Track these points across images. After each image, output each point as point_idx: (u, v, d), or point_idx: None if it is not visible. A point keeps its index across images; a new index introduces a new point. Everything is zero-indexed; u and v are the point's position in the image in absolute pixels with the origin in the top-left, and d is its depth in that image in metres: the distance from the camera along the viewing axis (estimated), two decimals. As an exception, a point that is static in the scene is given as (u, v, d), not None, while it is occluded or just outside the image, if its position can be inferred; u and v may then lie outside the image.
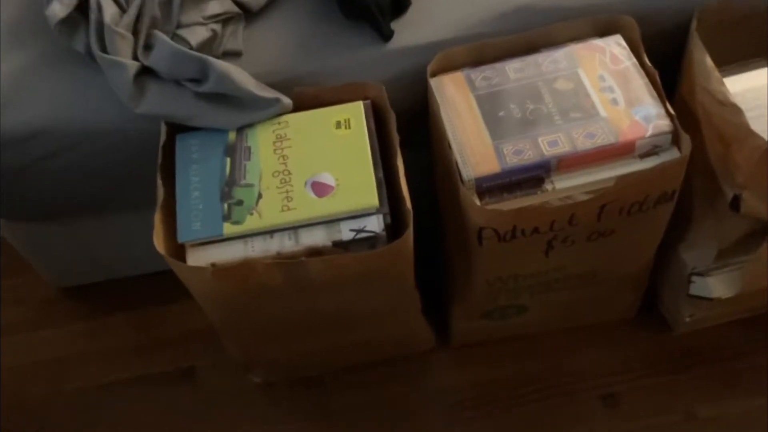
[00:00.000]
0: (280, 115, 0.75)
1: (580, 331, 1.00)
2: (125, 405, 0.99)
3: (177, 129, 0.76)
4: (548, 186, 0.71)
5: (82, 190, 0.85)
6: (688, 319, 0.90)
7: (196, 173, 0.72)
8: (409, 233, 0.67)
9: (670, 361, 0.98)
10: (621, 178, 0.67)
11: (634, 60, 0.75)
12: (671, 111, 0.71)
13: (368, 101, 0.76)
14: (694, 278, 0.84)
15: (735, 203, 0.75)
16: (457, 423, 0.95)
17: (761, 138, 0.68)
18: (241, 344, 0.84)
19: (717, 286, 0.82)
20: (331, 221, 0.70)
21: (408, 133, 0.74)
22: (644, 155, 0.71)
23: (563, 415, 0.95)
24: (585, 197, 0.69)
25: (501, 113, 0.74)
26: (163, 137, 0.73)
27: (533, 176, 0.71)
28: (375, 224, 0.69)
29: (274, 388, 0.99)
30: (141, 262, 1.04)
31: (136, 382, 1.01)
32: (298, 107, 0.75)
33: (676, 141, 0.71)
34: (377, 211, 0.70)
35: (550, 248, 0.76)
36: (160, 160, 0.72)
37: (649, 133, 0.70)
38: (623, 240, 0.78)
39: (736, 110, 0.70)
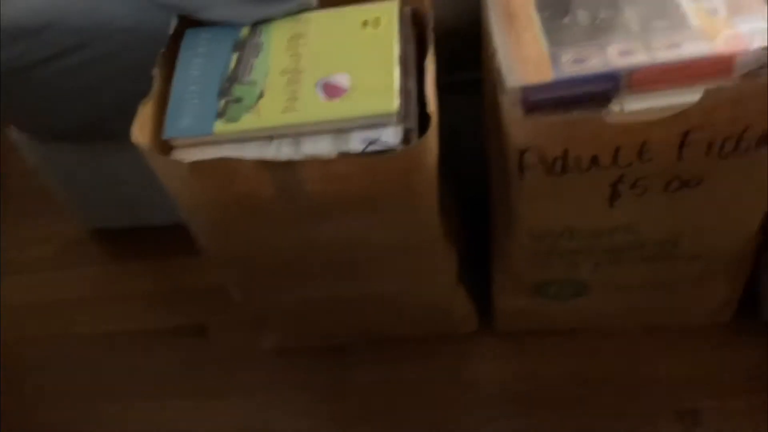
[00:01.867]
0: (303, 11, 0.65)
1: (656, 332, 0.82)
2: (131, 355, 0.90)
3: (192, 26, 0.66)
4: (616, 107, 0.56)
5: (96, 102, 0.77)
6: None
7: (198, 68, 0.63)
8: (431, 136, 0.54)
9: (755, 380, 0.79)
10: (710, 93, 0.51)
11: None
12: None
13: (408, 8, 0.65)
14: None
15: None
16: (488, 420, 0.79)
17: None
18: (240, 284, 0.73)
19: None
20: (341, 130, 0.58)
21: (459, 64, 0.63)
22: (746, 78, 0.56)
23: (626, 429, 0.77)
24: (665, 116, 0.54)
25: (565, 19, 0.60)
26: (172, 29, 0.65)
27: (598, 92, 0.55)
28: (391, 135, 0.57)
29: (289, 353, 0.87)
30: (170, 210, 0.98)
31: (145, 333, 0.91)
32: (325, 4, 0.65)
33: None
34: (396, 122, 0.58)
35: (616, 195, 0.61)
36: (163, 50, 0.63)
37: (755, 46, 0.55)
38: (714, 196, 0.61)
39: None
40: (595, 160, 0.56)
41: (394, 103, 0.56)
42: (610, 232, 0.64)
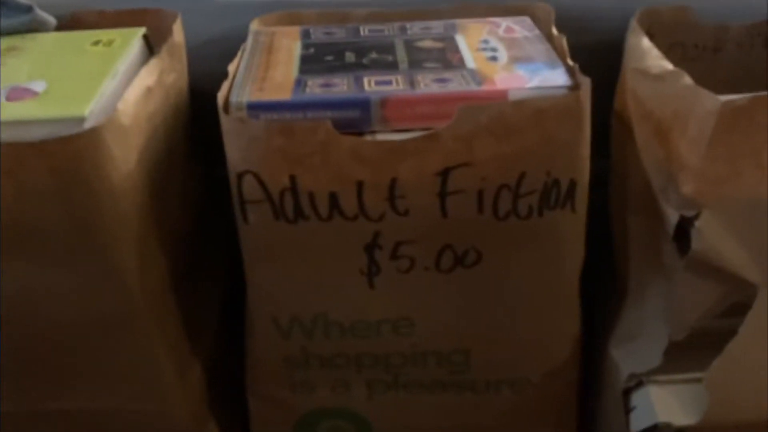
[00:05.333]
0: (38, 31, 0.55)
1: None
2: None
3: None
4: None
5: None
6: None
7: None
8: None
9: None
10: (466, 111, 0.40)
11: (538, 32, 0.53)
12: (572, 64, 0.46)
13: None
14: (635, 396, 0.50)
15: (682, 235, 0.46)
16: None
17: (713, 96, 0.42)
18: None
19: (665, 403, 0.48)
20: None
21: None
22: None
23: None
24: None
25: (328, 57, 0.51)
26: None
27: (346, 121, 0.44)
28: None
29: None
30: None
31: None
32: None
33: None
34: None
35: (375, 267, 0.46)
36: None
37: (532, 83, 0.45)
38: (501, 285, 0.47)
39: (677, 75, 0.45)
40: (335, 202, 0.43)
41: (86, 109, 0.44)
42: (376, 329, 0.48)
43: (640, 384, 0.49)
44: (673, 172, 0.45)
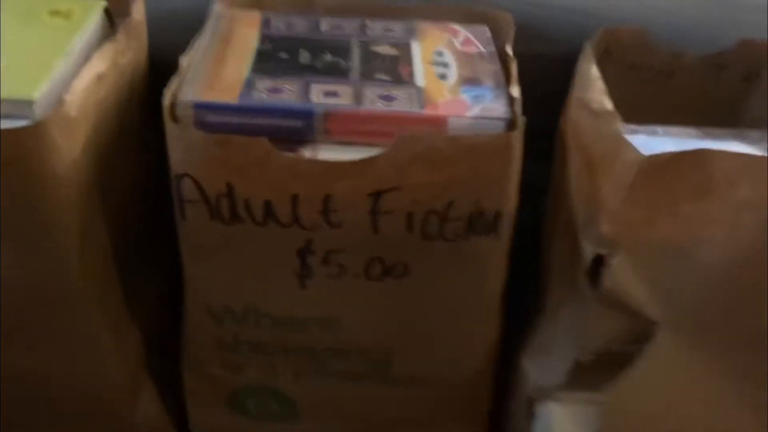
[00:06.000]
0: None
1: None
2: None
3: None
4: (308, 152, 0.47)
5: None
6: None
7: None
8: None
9: None
10: (402, 141, 0.42)
11: (492, 49, 0.54)
12: (515, 95, 0.48)
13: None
14: (538, 407, 0.55)
15: (595, 270, 0.49)
16: None
17: (636, 151, 0.44)
18: None
19: (560, 419, 0.52)
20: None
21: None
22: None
23: None
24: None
25: (283, 54, 0.52)
26: None
27: (289, 130, 0.46)
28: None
29: None
30: None
31: None
32: None
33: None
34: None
35: (307, 270, 0.48)
36: None
37: (474, 113, 0.47)
38: (425, 296, 0.50)
39: (612, 118, 0.47)
40: (270, 210, 0.45)
41: (37, 92, 0.45)
42: (304, 325, 0.51)
43: (544, 397, 0.53)
44: (595, 210, 0.47)
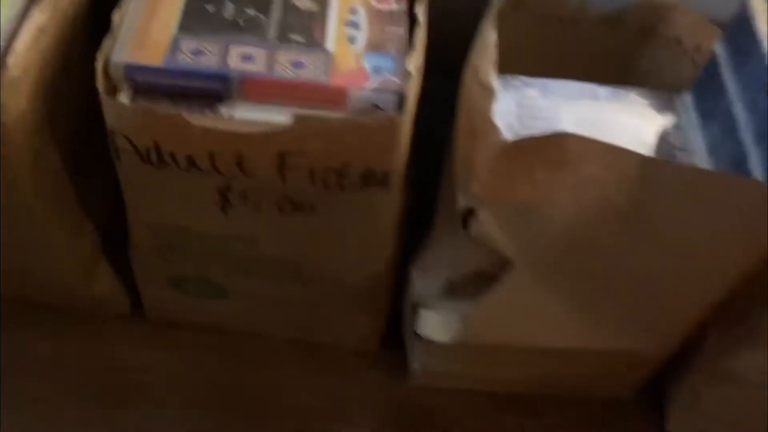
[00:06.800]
0: None
1: (305, 348, 0.81)
2: None
3: None
4: (225, 111, 0.54)
5: None
6: (416, 366, 0.73)
7: None
8: None
9: (394, 416, 0.79)
10: (300, 120, 0.50)
11: (404, 7, 0.59)
12: (412, 69, 0.55)
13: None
14: (421, 311, 0.67)
15: (466, 220, 0.59)
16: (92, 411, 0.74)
17: (499, 134, 0.52)
18: None
19: (433, 324, 0.65)
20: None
21: None
22: (366, 113, 0.55)
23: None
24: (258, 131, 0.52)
25: (209, 7, 0.57)
26: None
27: (208, 90, 0.53)
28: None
29: None
30: None
31: None
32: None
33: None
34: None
35: (227, 203, 0.58)
36: None
37: (372, 85, 0.54)
38: (330, 226, 0.60)
39: (489, 93, 0.54)
40: (192, 162, 0.53)
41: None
42: (226, 240, 0.62)
43: (425, 304, 0.65)
44: (469, 171, 0.56)
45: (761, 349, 0.64)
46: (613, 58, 0.67)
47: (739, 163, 0.53)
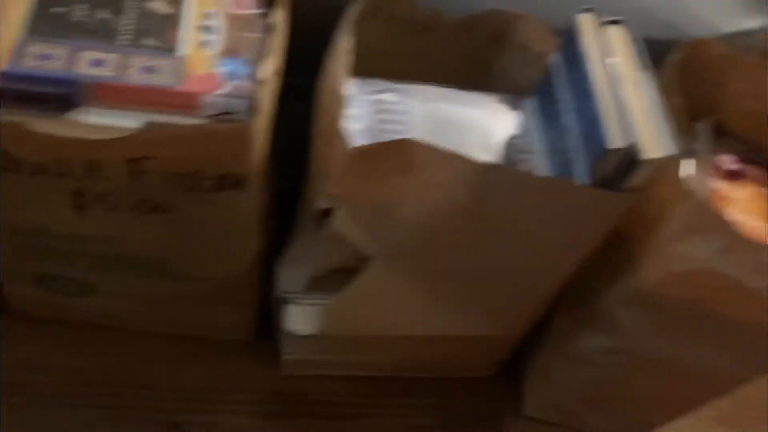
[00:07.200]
0: None
1: (182, 342, 0.80)
2: None
3: None
4: (78, 114, 0.53)
5: None
6: (287, 356, 0.76)
7: None
8: None
9: (270, 403, 0.81)
10: (149, 127, 0.51)
11: (263, 10, 0.60)
12: (265, 75, 0.57)
13: None
14: (286, 306, 0.70)
15: (323, 218, 0.61)
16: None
17: (347, 141, 0.55)
18: None
19: (297, 318, 0.67)
20: None
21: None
22: (217, 119, 0.56)
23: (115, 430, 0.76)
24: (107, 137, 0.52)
25: (59, 10, 0.56)
26: None
27: (57, 96, 0.53)
28: None
29: None
30: None
31: None
32: None
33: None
34: None
35: (83, 205, 0.58)
36: None
37: (224, 90, 0.55)
38: (190, 227, 0.61)
39: (340, 101, 0.57)
40: (42, 167, 0.53)
41: None
42: (85, 240, 0.62)
43: (289, 299, 0.67)
44: (325, 173, 0.58)
45: (599, 330, 0.71)
46: (468, 62, 0.71)
47: (569, 165, 0.58)
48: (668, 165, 0.54)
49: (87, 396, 0.77)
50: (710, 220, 0.58)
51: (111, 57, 0.53)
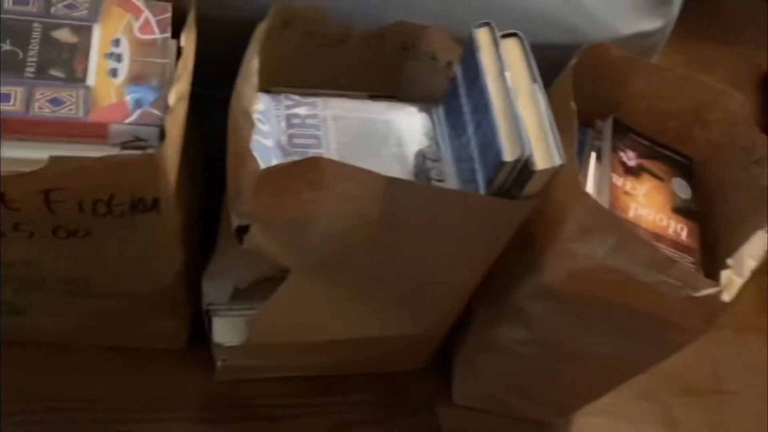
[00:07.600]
0: None
1: (118, 354, 0.82)
2: None
3: None
4: (-13, 150, 0.55)
5: None
6: (220, 363, 0.78)
7: None
8: None
9: (210, 409, 0.84)
10: (55, 161, 0.52)
11: (169, 35, 0.61)
12: (172, 101, 0.58)
13: None
14: (212, 318, 0.72)
15: (240, 234, 0.63)
16: None
17: (256, 162, 0.57)
18: None
19: (223, 330, 0.70)
20: None
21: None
22: (127, 147, 0.57)
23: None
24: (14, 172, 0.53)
25: (-31, 44, 0.57)
26: None
27: (-36, 131, 0.55)
28: None
29: None
30: None
31: None
32: None
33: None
34: None
35: (0, 234, 0.60)
36: None
37: (132, 119, 0.56)
38: (108, 249, 0.62)
39: (248, 121, 0.59)
40: (-48, 200, 0.54)
41: None
42: (10, 265, 0.63)
43: (215, 311, 0.69)
44: (238, 191, 0.60)
45: (515, 323, 0.75)
46: (380, 72, 0.73)
47: (472, 174, 0.61)
48: (559, 173, 0.58)
49: (27, 412, 0.79)
50: (604, 220, 0.62)
51: (18, 91, 0.54)
